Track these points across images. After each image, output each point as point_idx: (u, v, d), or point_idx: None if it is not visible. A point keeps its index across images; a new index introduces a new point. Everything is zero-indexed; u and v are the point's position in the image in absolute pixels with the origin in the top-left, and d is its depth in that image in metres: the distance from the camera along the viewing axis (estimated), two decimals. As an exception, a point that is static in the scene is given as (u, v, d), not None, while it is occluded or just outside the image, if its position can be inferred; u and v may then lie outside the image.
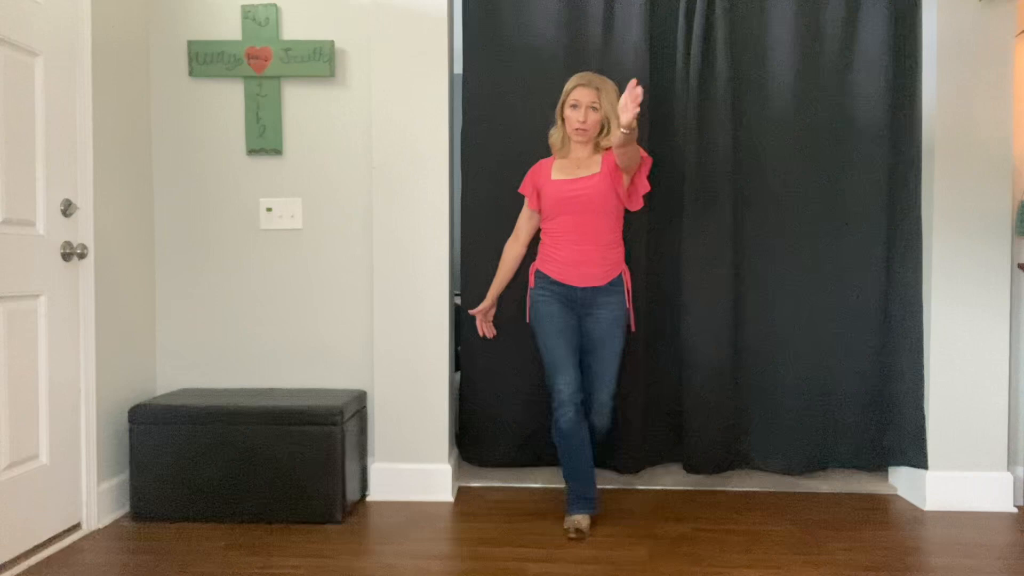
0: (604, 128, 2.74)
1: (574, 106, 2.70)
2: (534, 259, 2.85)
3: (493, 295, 2.96)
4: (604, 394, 2.75)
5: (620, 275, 2.76)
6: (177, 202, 3.15)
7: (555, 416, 2.66)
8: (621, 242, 2.79)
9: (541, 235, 2.82)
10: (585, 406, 2.71)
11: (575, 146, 2.77)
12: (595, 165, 2.72)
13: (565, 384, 2.64)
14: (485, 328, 3.01)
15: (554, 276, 2.73)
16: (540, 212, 2.81)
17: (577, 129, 2.71)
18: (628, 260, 2.84)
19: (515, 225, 2.92)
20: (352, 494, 2.89)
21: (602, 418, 2.78)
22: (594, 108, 2.69)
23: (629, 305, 2.77)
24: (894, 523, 2.79)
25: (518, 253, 2.92)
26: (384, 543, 2.59)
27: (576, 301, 2.72)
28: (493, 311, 3.01)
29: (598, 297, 2.72)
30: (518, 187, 2.91)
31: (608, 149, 2.73)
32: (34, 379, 2.48)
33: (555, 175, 2.76)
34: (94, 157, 2.71)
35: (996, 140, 2.90)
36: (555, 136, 2.82)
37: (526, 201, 2.87)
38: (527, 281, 2.85)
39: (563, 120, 2.76)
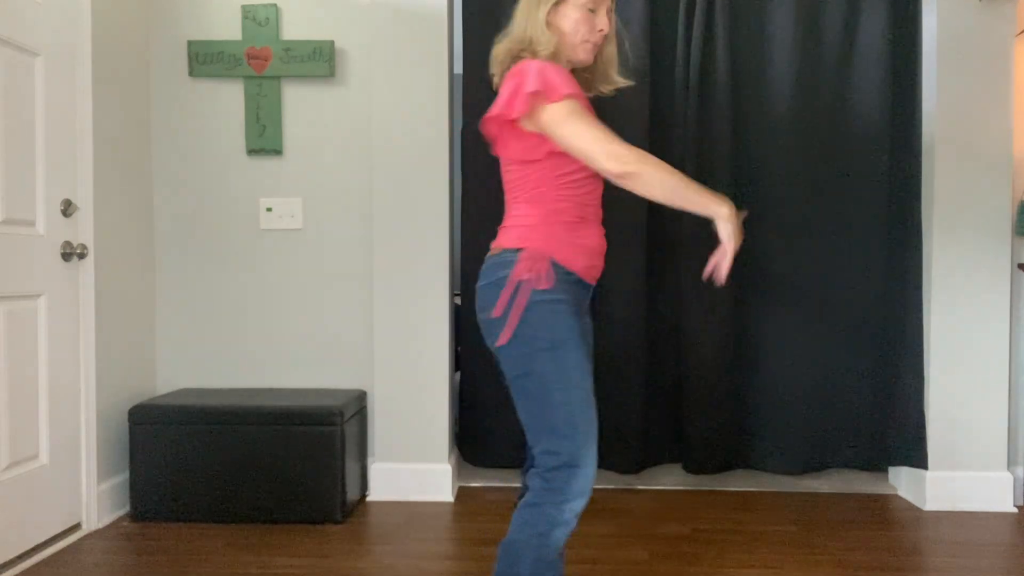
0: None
1: (590, 8, 1.70)
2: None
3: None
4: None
5: None
6: (177, 202, 3.15)
7: (565, 518, 1.56)
8: None
9: (555, 202, 1.67)
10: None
11: (576, 71, 1.78)
12: None
13: (594, 461, 1.60)
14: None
15: (580, 272, 1.68)
16: (554, 158, 1.66)
17: (592, 42, 1.72)
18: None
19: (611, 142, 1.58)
20: (352, 494, 2.89)
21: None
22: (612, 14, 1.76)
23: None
24: (894, 523, 2.78)
25: None
26: (384, 543, 2.59)
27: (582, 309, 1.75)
28: None
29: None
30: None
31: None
32: (34, 379, 2.48)
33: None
34: (94, 157, 2.71)
35: (996, 140, 2.90)
36: (546, 43, 1.68)
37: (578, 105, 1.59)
38: (504, 275, 1.64)
39: (548, 23, 1.69)
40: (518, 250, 1.63)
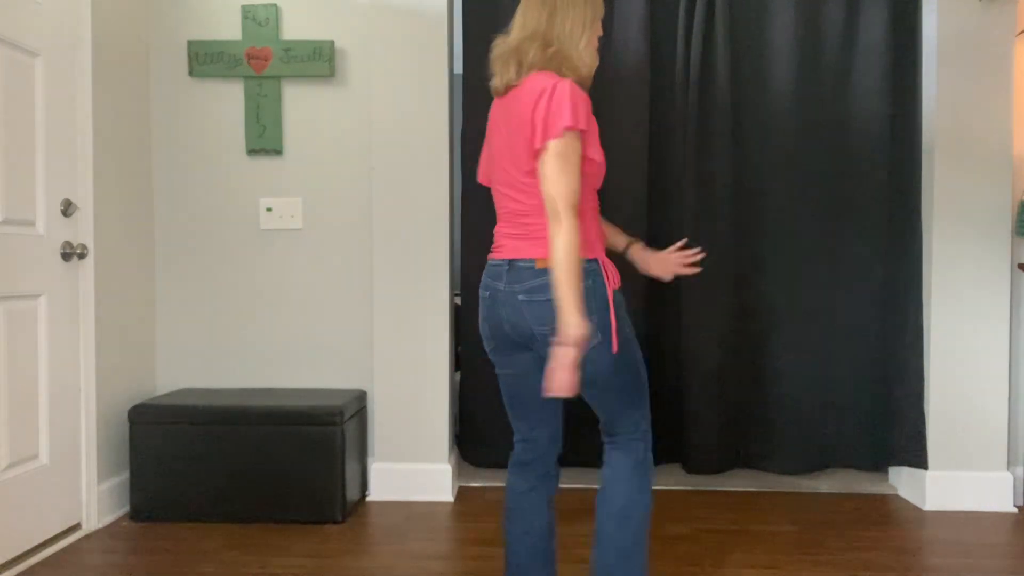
0: None
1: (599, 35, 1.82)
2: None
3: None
4: None
5: None
6: (177, 202, 3.15)
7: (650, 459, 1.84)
8: None
9: (585, 212, 1.74)
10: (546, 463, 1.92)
11: None
12: None
13: None
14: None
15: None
16: (590, 176, 1.74)
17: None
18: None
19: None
20: (352, 494, 2.89)
21: None
22: None
23: None
24: (894, 523, 2.78)
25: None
26: (384, 543, 2.59)
27: None
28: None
29: None
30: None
31: None
32: (34, 379, 2.48)
33: None
34: (94, 157, 2.71)
35: (996, 140, 2.90)
36: (591, 65, 1.81)
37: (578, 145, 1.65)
38: (602, 282, 1.72)
39: (586, 39, 1.77)
40: (590, 260, 1.70)
